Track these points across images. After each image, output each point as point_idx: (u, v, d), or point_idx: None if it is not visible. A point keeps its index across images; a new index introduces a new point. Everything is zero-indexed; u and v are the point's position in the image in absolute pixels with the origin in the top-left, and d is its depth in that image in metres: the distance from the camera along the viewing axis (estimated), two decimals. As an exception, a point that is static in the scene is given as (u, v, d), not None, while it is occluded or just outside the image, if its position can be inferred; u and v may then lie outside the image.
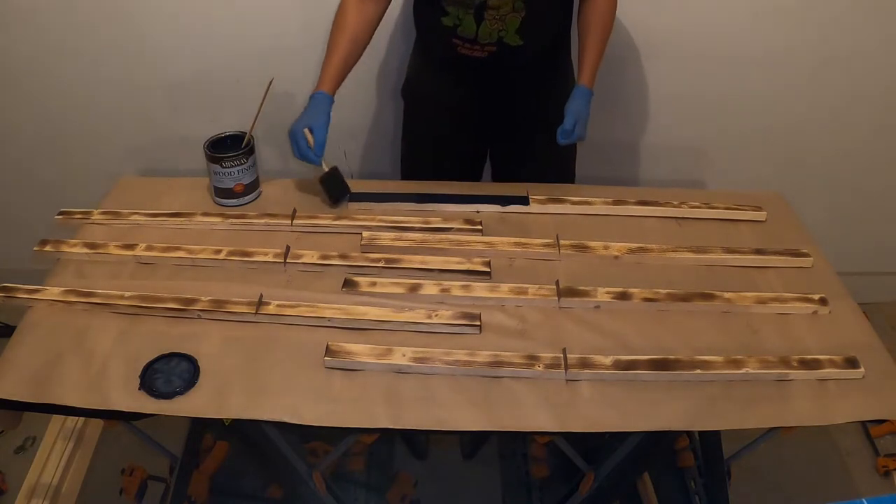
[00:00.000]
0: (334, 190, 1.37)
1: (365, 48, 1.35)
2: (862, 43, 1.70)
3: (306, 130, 1.29)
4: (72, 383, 1.01)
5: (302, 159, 1.31)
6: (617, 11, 1.38)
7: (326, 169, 1.35)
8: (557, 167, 1.57)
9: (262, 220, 1.33)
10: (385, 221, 1.32)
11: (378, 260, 1.23)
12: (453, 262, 1.23)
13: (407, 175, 1.64)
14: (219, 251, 1.24)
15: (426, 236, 1.29)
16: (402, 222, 1.32)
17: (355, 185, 1.41)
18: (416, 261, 1.23)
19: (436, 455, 1.72)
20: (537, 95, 1.44)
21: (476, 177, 1.66)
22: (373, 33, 1.36)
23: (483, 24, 1.29)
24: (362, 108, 1.82)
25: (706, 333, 1.11)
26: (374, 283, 1.18)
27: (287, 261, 1.22)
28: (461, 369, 1.03)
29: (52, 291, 1.15)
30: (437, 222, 1.32)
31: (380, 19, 1.35)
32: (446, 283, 1.18)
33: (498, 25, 1.29)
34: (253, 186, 1.39)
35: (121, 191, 1.44)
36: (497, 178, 1.64)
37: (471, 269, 1.21)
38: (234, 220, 1.33)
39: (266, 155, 1.84)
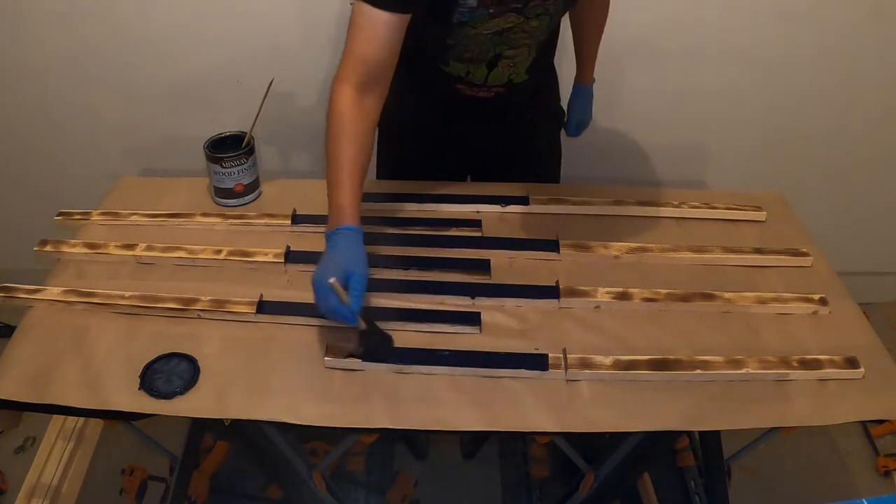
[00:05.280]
0: (374, 344, 1.03)
1: (371, 151, 1.07)
2: (862, 43, 1.70)
3: (334, 281, 0.93)
4: (72, 383, 1.01)
5: (329, 315, 0.96)
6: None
7: (364, 326, 0.99)
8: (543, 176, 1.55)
9: (262, 221, 1.32)
10: (385, 221, 1.32)
11: (378, 259, 1.23)
12: (453, 262, 1.22)
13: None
14: (219, 251, 1.23)
15: (426, 236, 1.29)
16: (402, 222, 1.32)
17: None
18: (415, 260, 1.23)
19: (436, 455, 1.72)
20: (524, 114, 1.40)
21: None
22: (375, 131, 1.08)
23: (495, 70, 1.23)
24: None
25: (706, 333, 1.11)
26: (373, 283, 1.18)
27: (287, 261, 1.22)
28: (461, 369, 1.03)
29: (52, 291, 1.15)
30: (437, 222, 1.32)
31: (380, 111, 1.07)
32: (446, 283, 1.18)
33: (510, 70, 1.24)
34: (253, 186, 1.39)
35: (121, 191, 1.44)
36: None
37: (471, 268, 1.21)
38: (233, 221, 1.33)
39: (266, 155, 1.84)
